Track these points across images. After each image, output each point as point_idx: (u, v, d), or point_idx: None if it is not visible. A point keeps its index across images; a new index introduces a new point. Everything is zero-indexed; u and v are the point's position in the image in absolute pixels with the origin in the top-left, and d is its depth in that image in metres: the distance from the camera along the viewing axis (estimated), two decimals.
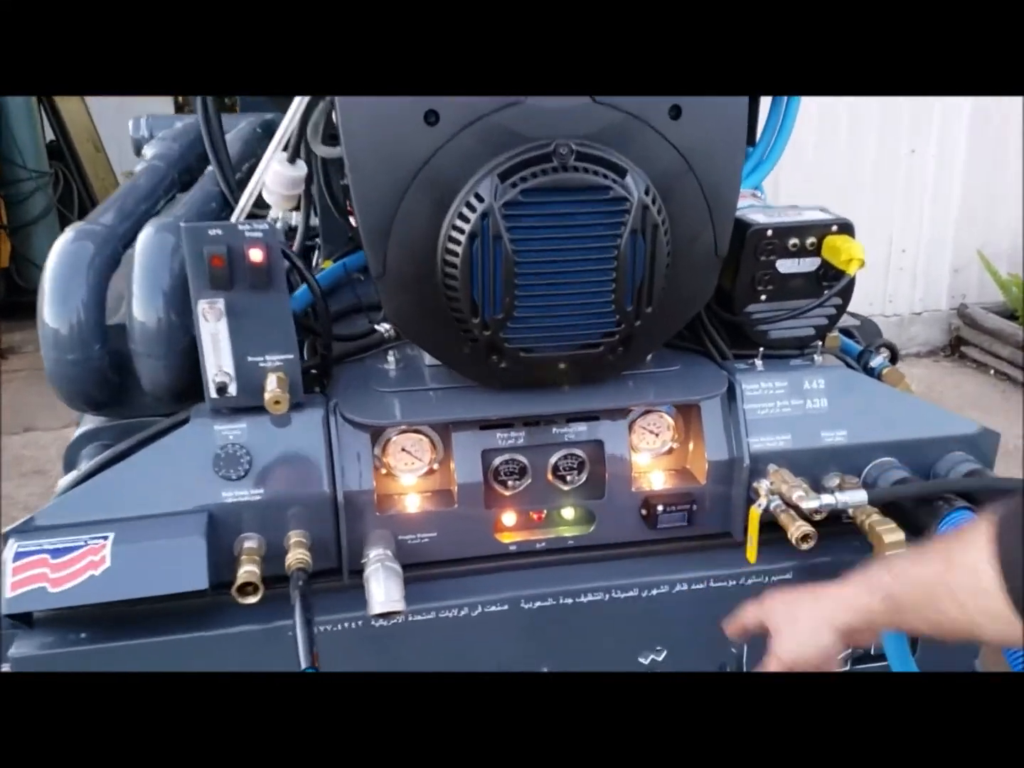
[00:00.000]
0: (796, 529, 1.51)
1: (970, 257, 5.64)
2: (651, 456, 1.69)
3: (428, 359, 1.66)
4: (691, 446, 1.68)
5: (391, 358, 1.67)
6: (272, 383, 1.42)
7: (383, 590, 1.40)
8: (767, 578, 1.65)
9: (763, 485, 1.55)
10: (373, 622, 1.45)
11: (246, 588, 1.39)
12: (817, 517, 1.57)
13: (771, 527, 1.59)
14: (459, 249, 1.35)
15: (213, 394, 1.42)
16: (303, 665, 1.27)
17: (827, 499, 1.50)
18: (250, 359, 1.44)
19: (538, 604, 1.59)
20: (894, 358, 1.85)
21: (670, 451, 1.69)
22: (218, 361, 1.42)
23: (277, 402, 1.40)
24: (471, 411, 1.54)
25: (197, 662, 1.44)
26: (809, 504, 1.49)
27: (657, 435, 1.68)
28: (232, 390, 1.43)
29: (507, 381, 1.55)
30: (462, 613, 1.56)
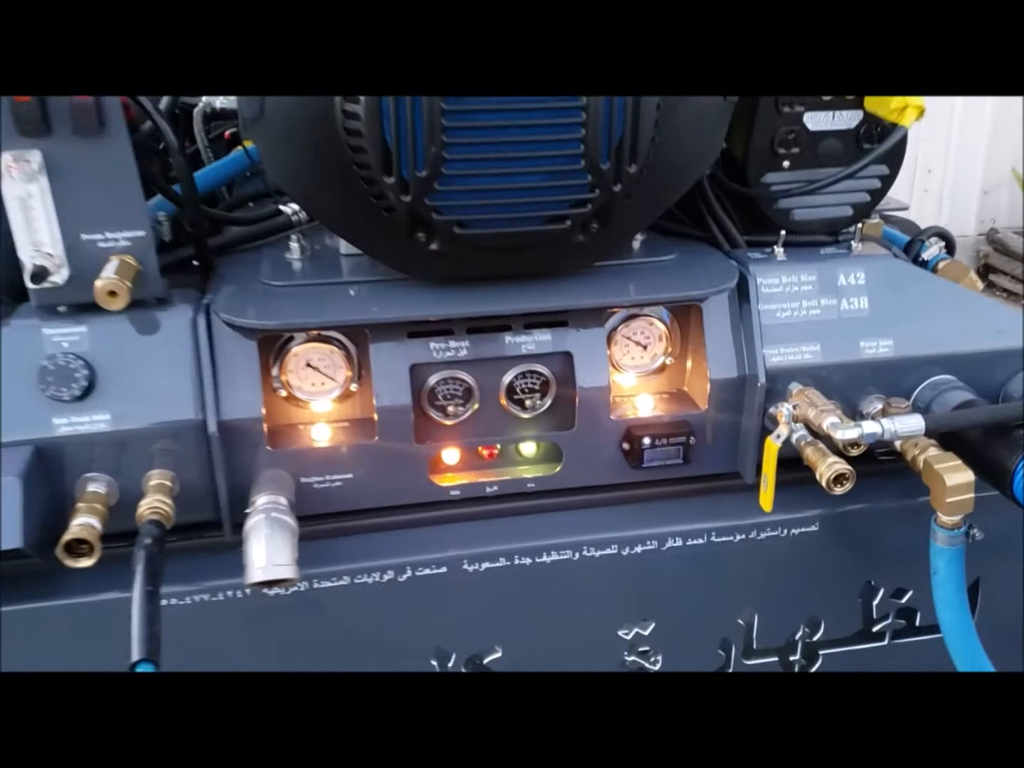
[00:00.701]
0: (828, 467, 1.12)
1: (1002, 176, 5.18)
2: (637, 375, 1.30)
3: (344, 246, 1.26)
4: (689, 362, 1.29)
5: (295, 245, 1.27)
6: (110, 269, 1.02)
7: (264, 551, 1.02)
8: (786, 531, 1.27)
9: (783, 410, 1.16)
10: (259, 591, 1.07)
11: (77, 547, 1.00)
12: (854, 452, 1.18)
13: (793, 465, 1.21)
14: None
15: (29, 283, 1.03)
16: (134, 656, 0.89)
17: (870, 427, 1.11)
18: (84, 237, 1.05)
19: (487, 566, 1.21)
20: (950, 248, 1.44)
21: (662, 368, 1.30)
22: (33, 236, 1.02)
23: (112, 293, 1.00)
24: (394, 310, 1.14)
25: (17, 642, 1.07)
26: (846, 434, 1.10)
27: (645, 347, 1.28)
28: (59, 278, 1.04)
29: (442, 271, 1.16)
30: (386, 578, 1.19)
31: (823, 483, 1.14)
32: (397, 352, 1.18)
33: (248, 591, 1.14)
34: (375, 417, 1.18)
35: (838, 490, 1.13)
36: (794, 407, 1.16)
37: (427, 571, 1.21)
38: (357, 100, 0.98)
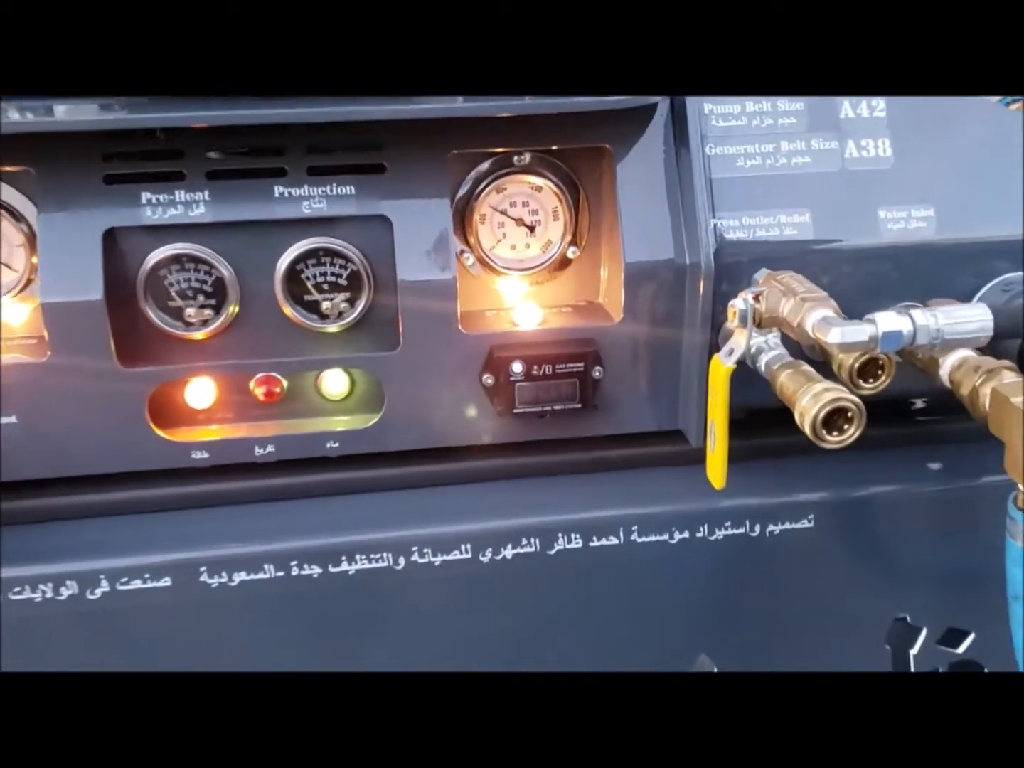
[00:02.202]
0: (813, 400, 0.63)
1: None
2: (521, 276, 0.80)
3: None
4: (603, 248, 0.78)
5: None
6: None
7: None
8: (758, 527, 0.75)
9: (738, 304, 0.65)
10: None
11: None
12: (869, 390, 0.68)
13: (769, 419, 0.73)
14: None
15: None
16: None
17: (890, 322, 0.60)
18: None
19: (246, 577, 0.71)
20: None
21: (563, 263, 0.79)
22: None
23: None
24: (81, 115, 0.67)
25: None
26: (847, 335, 0.59)
27: (532, 229, 0.78)
28: None
29: None
30: (66, 594, 0.69)
31: (807, 429, 0.62)
32: (80, 207, 0.69)
33: None
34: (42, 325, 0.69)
35: (832, 440, 0.62)
36: (755, 297, 0.65)
37: (141, 583, 0.71)
38: None
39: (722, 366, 0.67)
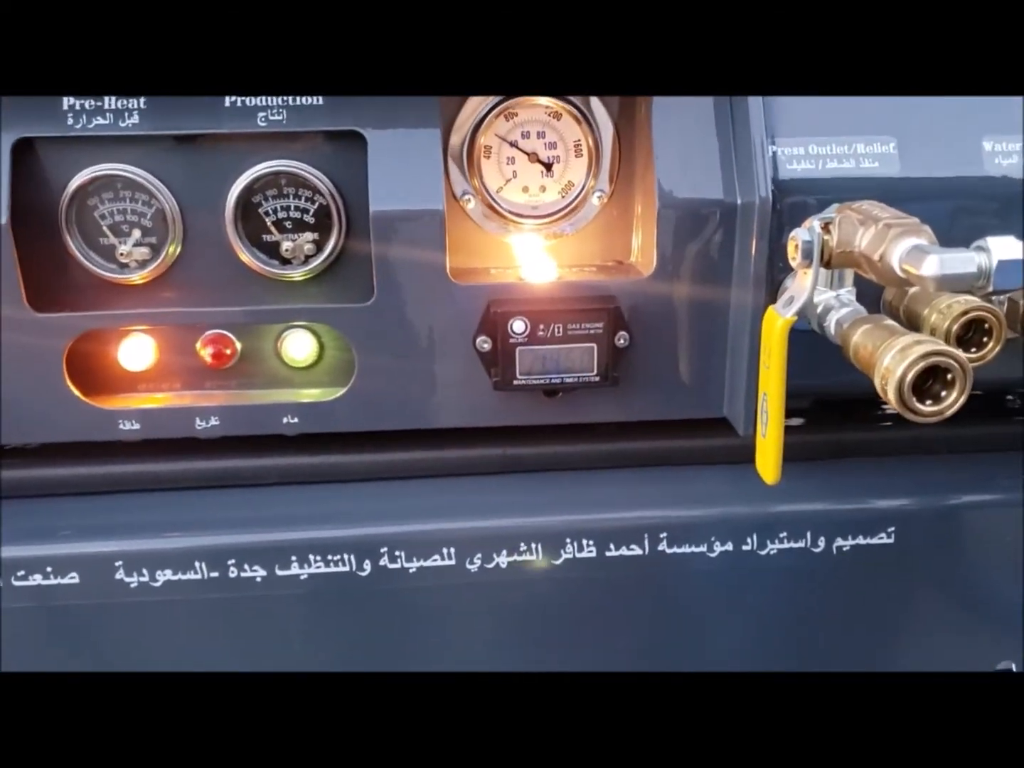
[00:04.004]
0: (899, 356, 0.45)
1: None
2: (537, 225, 0.65)
3: None
4: (637, 196, 0.63)
5: None
6: None
7: None
8: (821, 541, 0.58)
9: (802, 235, 0.48)
10: None
11: None
12: (972, 361, 0.50)
13: (832, 407, 0.54)
14: None
15: None
16: None
17: (1010, 249, 0.42)
18: None
19: (183, 577, 0.56)
20: None
21: (587, 211, 0.64)
22: None
23: None
24: None
25: None
26: (947, 264, 0.42)
27: (549, 167, 0.64)
28: None
29: None
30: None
31: (891, 395, 0.46)
32: None
33: None
34: None
35: (926, 410, 0.45)
36: (824, 226, 0.49)
37: (42, 579, 0.57)
38: None
39: (779, 318, 0.51)
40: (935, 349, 0.46)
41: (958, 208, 0.60)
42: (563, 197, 0.66)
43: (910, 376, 0.46)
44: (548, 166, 0.66)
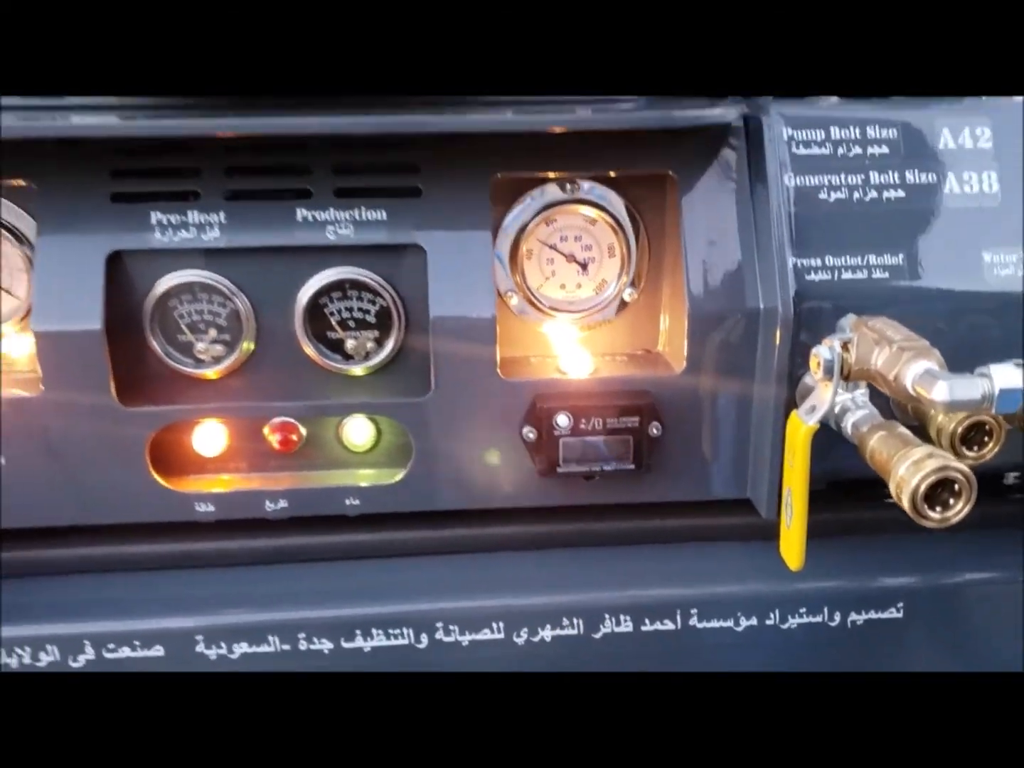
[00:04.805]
0: (912, 468, 0.52)
1: None
2: (573, 320, 0.73)
3: None
4: (664, 291, 0.69)
5: None
6: None
7: None
8: (837, 615, 0.64)
9: (821, 352, 0.55)
10: None
11: None
12: (972, 459, 0.58)
13: (850, 488, 0.66)
14: None
15: None
16: None
17: (1008, 376, 0.49)
18: None
19: (248, 649, 0.62)
20: None
21: (619, 307, 0.71)
22: None
23: None
24: (86, 119, 0.60)
25: None
26: (956, 391, 0.49)
27: (585, 266, 0.70)
28: None
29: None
30: (47, 662, 0.61)
31: (906, 503, 0.52)
32: (83, 227, 0.62)
33: None
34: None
35: (935, 517, 0.52)
36: (844, 345, 0.55)
37: (130, 651, 0.62)
38: None
39: (803, 425, 0.57)
40: (945, 464, 0.52)
41: (961, 312, 0.66)
42: (597, 293, 0.73)
43: (923, 488, 0.52)
44: (584, 266, 0.72)
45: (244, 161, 0.64)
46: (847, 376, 0.57)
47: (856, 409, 0.61)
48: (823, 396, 0.57)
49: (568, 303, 0.73)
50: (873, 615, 0.68)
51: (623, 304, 0.73)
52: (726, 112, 0.63)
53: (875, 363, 0.55)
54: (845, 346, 0.56)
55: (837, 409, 0.61)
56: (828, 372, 0.56)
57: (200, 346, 0.66)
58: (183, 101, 0.63)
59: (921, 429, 0.61)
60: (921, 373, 0.52)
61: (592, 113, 0.62)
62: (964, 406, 0.51)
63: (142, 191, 0.64)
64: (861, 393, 0.61)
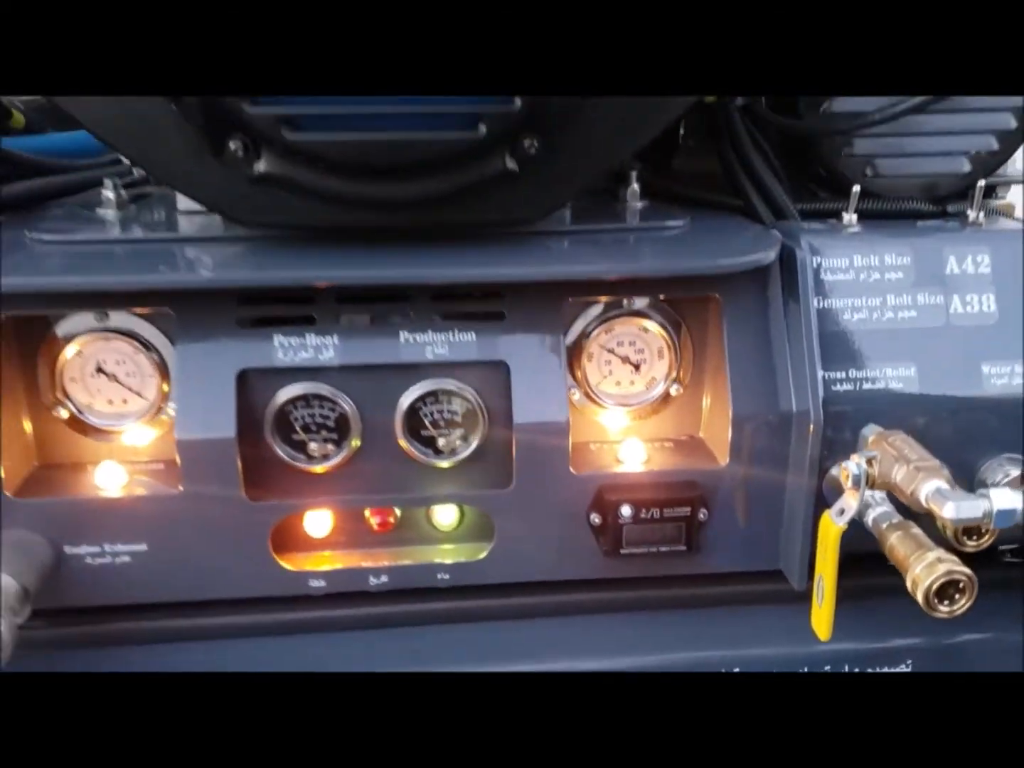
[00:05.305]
0: (927, 569, 0.63)
1: None
2: (626, 411, 0.82)
3: (183, 200, 0.82)
4: (707, 397, 0.81)
5: (109, 194, 0.84)
6: None
7: None
8: (853, 672, 0.76)
9: (850, 467, 0.67)
10: None
11: None
12: (972, 546, 0.69)
13: (869, 563, 0.75)
14: None
15: None
16: None
17: (1004, 499, 0.62)
18: None
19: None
20: None
21: (665, 400, 0.82)
22: None
23: None
24: (218, 271, 0.70)
25: None
26: (962, 511, 0.61)
27: (637, 367, 0.81)
28: None
29: (284, 215, 0.71)
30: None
31: (919, 597, 0.64)
32: (216, 348, 0.73)
33: None
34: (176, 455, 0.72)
35: (943, 610, 0.63)
36: (869, 461, 0.67)
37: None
38: None
39: (833, 526, 0.69)
40: (952, 569, 0.64)
41: (964, 412, 0.77)
42: (647, 389, 0.84)
43: (935, 587, 0.64)
44: (637, 367, 0.83)
45: (354, 292, 0.75)
46: (872, 486, 0.68)
47: (876, 506, 0.72)
48: (851, 502, 0.68)
49: (622, 397, 0.84)
50: (886, 670, 0.80)
51: (669, 397, 0.84)
52: (767, 255, 0.74)
53: (895, 478, 0.67)
54: (870, 462, 0.68)
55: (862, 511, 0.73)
56: (856, 483, 0.68)
57: (313, 445, 0.77)
58: (303, 242, 0.74)
59: (929, 517, 0.73)
60: (933, 492, 0.64)
61: (651, 263, 0.73)
62: (968, 522, 0.63)
63: (266, 316, 0.75)
64: (882, 496, 0.73)
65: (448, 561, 0.79)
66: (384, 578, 0.79)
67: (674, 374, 0.83)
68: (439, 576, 0.79)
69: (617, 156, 0.76)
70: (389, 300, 0.76)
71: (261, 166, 0.65)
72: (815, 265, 0.77)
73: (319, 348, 0.75)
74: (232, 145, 0.64)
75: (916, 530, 0.69)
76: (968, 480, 0.78)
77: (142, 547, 0.75)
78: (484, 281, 0.72)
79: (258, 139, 0.64)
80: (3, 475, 0.72)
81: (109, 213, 0.84)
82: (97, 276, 0.69)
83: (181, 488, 0.74)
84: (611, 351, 0.82)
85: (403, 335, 0.75)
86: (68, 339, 0.76)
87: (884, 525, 0.70)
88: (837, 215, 0.84)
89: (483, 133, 0.64)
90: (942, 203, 0.85)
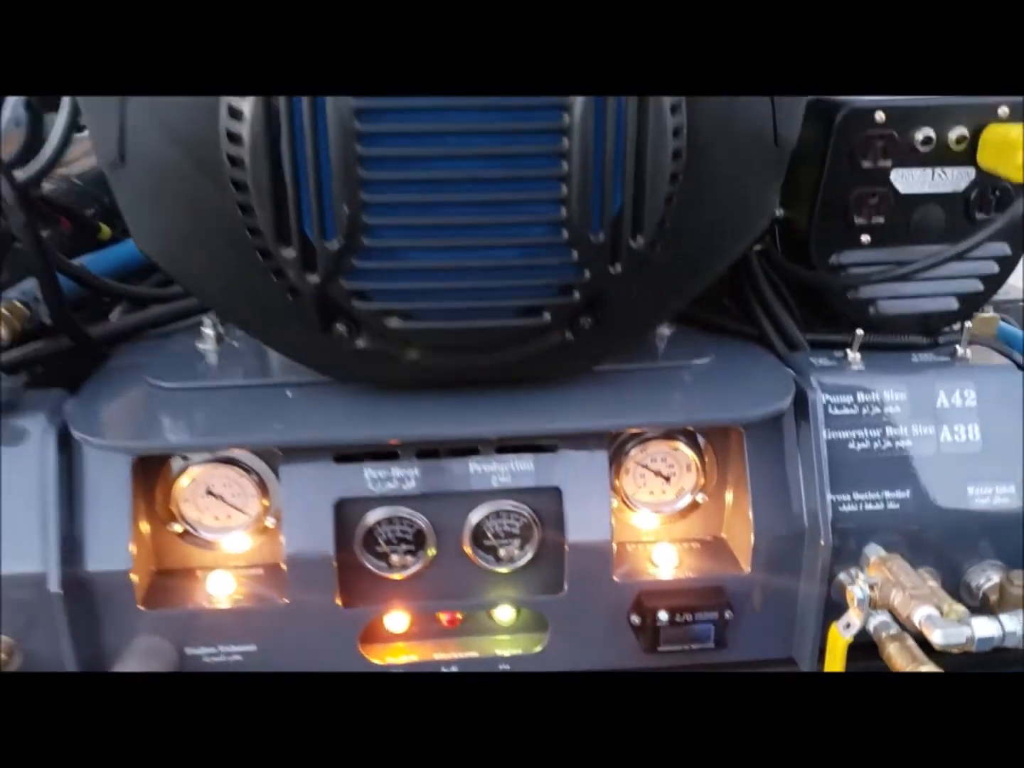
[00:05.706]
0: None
1: None
2: (654, 515, 0.94)
3: None
4: (729, 495, 0.93)
5: (208, 332, 0.96)
6: None
7: None
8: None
9: (855, 591, 0.81)
10: None
11: None
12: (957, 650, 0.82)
13: (871, 651, 0.84)
14: (247, 110, 0.65)
15: None
16: None
17: (985, 628, 0.75)
18: None
19: None
20: None
21: (692, 506, 0.95)
22: None
23: None
24: (317, 428, 0.83)
25: None
26: (949, 637, 0.74)
27: (668, 480, 0.94)
28: None
29: (378, 375, 0.84)
30: None
31: None
32: (317, 481, 0.86)
33: None
34: (284, 568, 0.85)
35: None
36: (871, 587, 0.80)
37: None
38: (241, 141, 0.67)
39: (840, 638, 0.82)
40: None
41: (952, 526, 0.91)
42: (677, 497, 0.97)
43: None
44: (668, 479, 0.96)
45: (430, 443, 0.88)
46: (873, 606, 0.81)
47: (877, 615, 0.86)
48: (855, 619, 0.82)
49: (655, 504, 0.97)
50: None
51: (696, 504, 0.97)
52: (785, 402, 0.87)
53: (893, 601, 0.80)
54: (872, 587, 0.81)
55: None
56: (860, 604, 0.81)
57: (395, 557, 0.90)
58: (387, 392, 0.87)
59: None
60: (925, 618, 0.77)
61: (685, 415, 0.87)
62: (955, 646, 0.76)
63: (357, 453, 0.88)
64: (885, 613, 0.86)
65: (507, 653, 0.93)
66: (453, 668, 0.92)
67: (700, 484, 0.96)
68: (500, 666, 0.92)
69: (658, 323, 0.89)
70: (462, 448, 0.89)
71: (361, 343, 0.78)
72: (824, 402, 0.90)
73: (402, 479, 0.87)
74: (339, 327, 0.77)
75: (911, 643, 0.82)
76: (955, 582, 0.91)
77: (252, 648, 0.88)
78: (540, 433, 0.85)
79: (358, 323, 0.77)
80: (136, 587, 0.85)
81: (210, 350, 0.96)
82: (222, 437, 0.82)
83: (287, 601, 0.86)
84: (645, 467, 0.95)
85: (472, 466, 0.88)
86: (183, 468, 0.89)
87: (883, 634, 0.83)
88: (842, 346, 0.96)
89: (547, 320, 0.77)
90: (934, 336, 0.97)
